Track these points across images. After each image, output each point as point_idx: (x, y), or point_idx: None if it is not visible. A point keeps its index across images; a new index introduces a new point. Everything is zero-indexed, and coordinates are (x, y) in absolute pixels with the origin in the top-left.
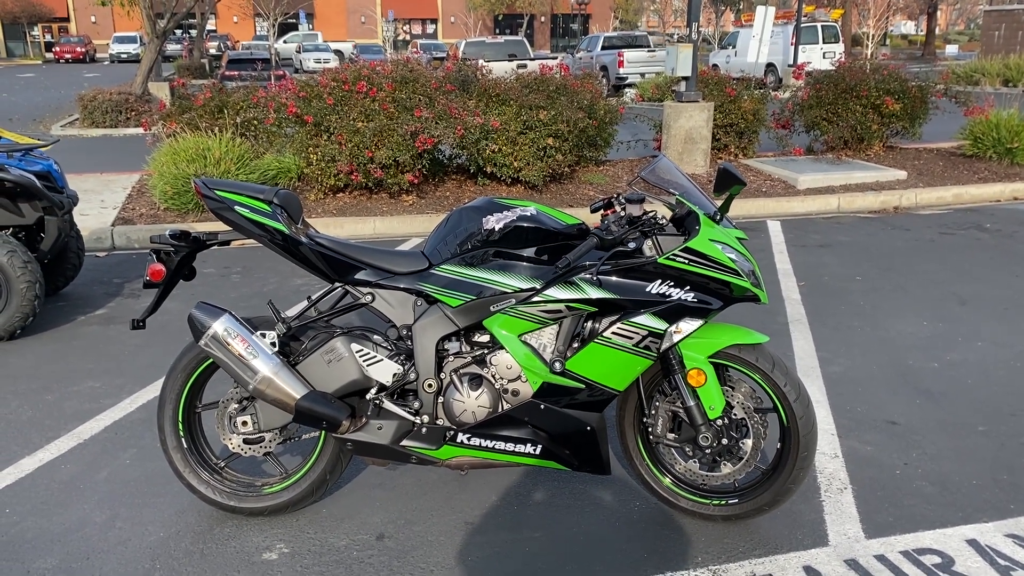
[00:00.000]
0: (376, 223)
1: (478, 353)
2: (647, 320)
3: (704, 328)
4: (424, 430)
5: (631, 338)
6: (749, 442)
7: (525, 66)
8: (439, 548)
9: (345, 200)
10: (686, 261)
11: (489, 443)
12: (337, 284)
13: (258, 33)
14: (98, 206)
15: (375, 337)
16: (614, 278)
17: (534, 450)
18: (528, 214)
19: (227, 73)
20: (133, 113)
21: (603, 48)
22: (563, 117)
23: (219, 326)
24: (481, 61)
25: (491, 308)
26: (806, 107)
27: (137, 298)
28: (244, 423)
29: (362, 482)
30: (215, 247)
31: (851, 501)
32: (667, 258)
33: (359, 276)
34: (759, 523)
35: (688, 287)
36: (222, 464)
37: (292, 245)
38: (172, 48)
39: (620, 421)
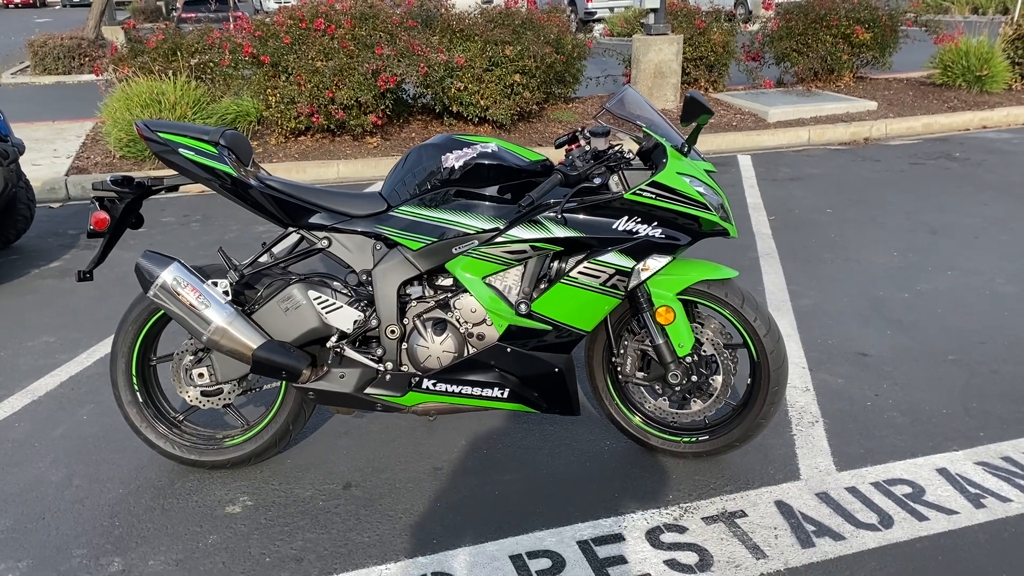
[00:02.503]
0: (340, 167)
1: (441, 297)
2: (614, 258)
3: (672, 264)
4: (388, 377)
5: (598, 277)
6: (719, 378)
7: (491, 0)
8: (407, 495)
9: (307, 143)
10: (653, 196)
11: (456, 388)
12: (291, 229)
13: None
14: (51, 156)
15: (334, 283)
16: (580, 216)
17: (502, 394)
18: (489, 151)
19: (184, 15)
20: (86, 58)
21: None
22: (530, 52)
23: (167, 275)
24: None
25: (453, 250)
26: (776, 38)
27: (93, 250)
28: (201, 375)
29: (328, 431)
30: (167, 193)
31: (822, 434)
32: (634, 193)
33: (314, 220)
34: (730, 459)
35: (656, 223)
36: (181, 418)
37: (241, 189)
38: None
39: (589, 361)
